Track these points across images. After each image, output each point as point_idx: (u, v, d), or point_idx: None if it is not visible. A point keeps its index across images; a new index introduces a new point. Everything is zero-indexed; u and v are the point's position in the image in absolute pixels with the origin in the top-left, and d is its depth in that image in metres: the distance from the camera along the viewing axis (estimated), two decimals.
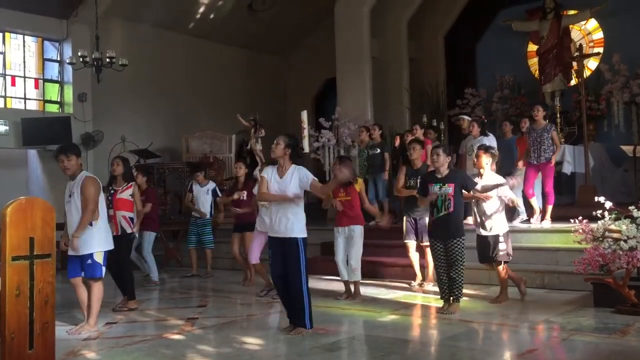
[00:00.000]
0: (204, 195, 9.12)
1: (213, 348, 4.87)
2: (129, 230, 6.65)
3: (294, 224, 5.13)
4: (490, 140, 8.65)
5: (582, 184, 9.69)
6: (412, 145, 7.03)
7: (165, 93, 13.74)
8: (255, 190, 7.11)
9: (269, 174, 5.28)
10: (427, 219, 6.90)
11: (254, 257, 7.15)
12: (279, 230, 5.18)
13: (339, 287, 7.15)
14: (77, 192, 5.45)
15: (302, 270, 5.13)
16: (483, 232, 6.20)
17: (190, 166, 9.65)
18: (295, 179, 5.14)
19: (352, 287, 6.84)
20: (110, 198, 6.65)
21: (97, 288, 5.49)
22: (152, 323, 5.95)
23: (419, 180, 6.49)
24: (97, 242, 5.49)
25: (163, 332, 5.46)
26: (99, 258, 5.49)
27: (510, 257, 6.23)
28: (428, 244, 6.94)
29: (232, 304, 6.92)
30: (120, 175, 6.73)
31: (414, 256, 7.26)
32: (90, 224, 5.43)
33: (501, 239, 6.15)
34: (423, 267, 7.35)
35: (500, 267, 6.21)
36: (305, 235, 5.21)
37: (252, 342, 5.03)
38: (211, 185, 9.26)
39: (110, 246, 5.65)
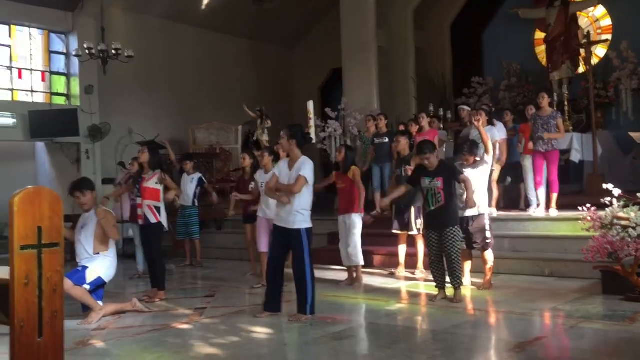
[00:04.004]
0: (189, 184, 9.28)
1: (221, 337, 4.89)
2: (153, 221, 6.54)
3: (297, 215, 5.29)
4: (499, 129, 8.61)
5: (590, 172, 9.63)
6: (397, 137, 7.29)
7: (172, 84, 13.74)
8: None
9: (280, 168, 5.50)
10: (413, 209, 6.98)
11: (263, 245, 7.07)
12: (283, 220, 5.36)
13: (346, 276, 7.17)
14: (92, 224, 5.66)
15: (307, 259, 5.30)
16: (465, 214, 6.20)
17: (185, 156, 9.84)
18: (300, 170, 5.28)
19: (353, 274, 6.98)
20: (137, 187, 6.74)
21: (73, 291, 5.43)
22: (161, 313, 5.97)
23: (404, 169, 6.96)
24: (99, 267, 5.64)
25: (172, 321, 5.49)
26: (90, 277, 5.58)
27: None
28: (414, 233, 7.06)
29: (240, 294, 6.95)
30: (146, 163, 6.68)
31: (400, 246, 7.39)
32: (98, 253, 5.65)
33: (487, 226, 6.28)
34: (413, 256, 7.42)
35: (489, 253, 6.32)
36: (309, 225, 5.36)
37: (260, 331, 5.05)
38: (197, 175, 9.38)
39: (107, 279, 5.76)
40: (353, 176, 6.91)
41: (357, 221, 6.94)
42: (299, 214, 5.29)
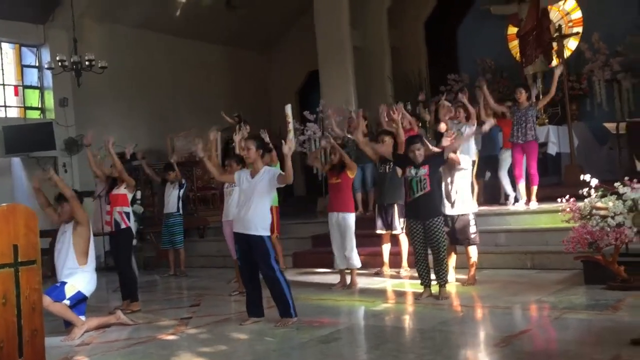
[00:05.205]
0: (172, 191, 9.46)
1: (208, 346, 4.84)
2: (122, 226, 6.67)
3: (258, 222, 5.31)
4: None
5: (567, 163, 9.75)
6: (380, 137, 7.05)
7: (148, 94, 13.62)
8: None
9: (240, 175, 5.53)
10: (395, 207, 6.97)
11: (234, 252, 6.87)
12: (244, 226, 5.35)
13: (331, 279, 7.17)
14: (69, 235, 5.63)
15: (274, 264, 5.33)
16: (451, 212, 6.26)
17: (166, 166, 9.87)
18: (265, 178, 5.37)
19: (347, 277, 6.90)
20: (107, 195, 6.91)
21: (53, 307, 5.38)
22: (146, 325, 5.91)
23: (387, 167, 6.94)
24: (78, 281, 5.58)
25: (157, 333, 5.44)
26: (69, 291, 5.52)
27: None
28: (398, 232, 7.05)
29: (225, 302, 6.90)
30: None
31: (384, 245, 7.36)
32: (77, 266, 5.59)
33: (472, 221, 6.30)
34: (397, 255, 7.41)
35: (473, 249, 6.34)
36: (268, 234, 5.39)
37: (247, 338, 5.02)
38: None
39: (87, 294, 5.70)
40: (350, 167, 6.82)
41: (352, 222, 6.85)
42: (262, 220, 5.33)
